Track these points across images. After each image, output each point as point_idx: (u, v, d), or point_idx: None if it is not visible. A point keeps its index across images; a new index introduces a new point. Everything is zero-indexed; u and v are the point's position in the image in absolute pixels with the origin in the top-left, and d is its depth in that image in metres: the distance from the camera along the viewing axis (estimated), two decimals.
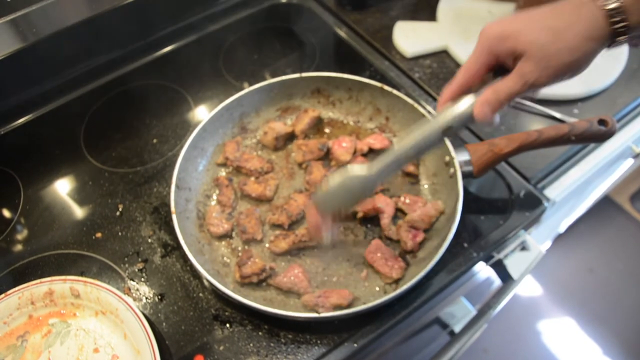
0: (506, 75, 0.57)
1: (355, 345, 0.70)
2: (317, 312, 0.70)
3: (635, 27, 0.52)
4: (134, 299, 0.78)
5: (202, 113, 1.03)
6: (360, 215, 0.83)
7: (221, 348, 0.72)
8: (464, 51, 1.05)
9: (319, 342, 0.72)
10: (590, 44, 0.53)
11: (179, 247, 0.79)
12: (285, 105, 0.98)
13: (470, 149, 0.80)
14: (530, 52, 0.54)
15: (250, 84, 0.94)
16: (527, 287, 2.04)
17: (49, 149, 0.98)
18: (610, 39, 0.53)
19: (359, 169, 0.68)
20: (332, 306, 0.71)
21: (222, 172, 0.91)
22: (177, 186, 0.81)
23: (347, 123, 0.97)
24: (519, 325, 1.95)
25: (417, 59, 1.07)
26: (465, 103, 0.61)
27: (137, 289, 0.79)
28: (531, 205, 0.85)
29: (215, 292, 0.77)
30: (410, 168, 0.87)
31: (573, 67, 0.54)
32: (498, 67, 0.60)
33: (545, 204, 0.85)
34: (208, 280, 0.72)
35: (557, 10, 0.55)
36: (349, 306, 0.73)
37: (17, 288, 0.74)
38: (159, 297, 0.78)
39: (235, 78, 1.08)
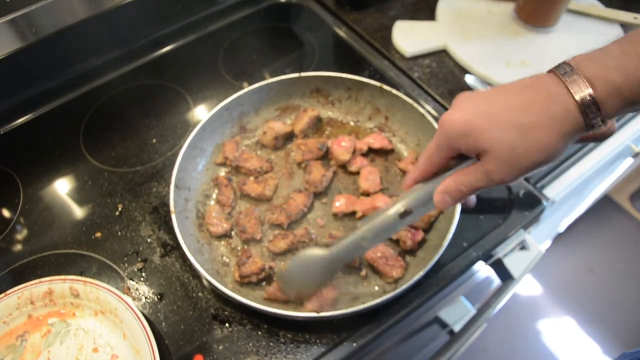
0: (468, 163, 0.54)
1: (355, 344, 0.71)
2: (316, 311, 0.70)
3: (609, 117, 0.48)
4: (134, 299, 0.78)
5: (201, 113, 1.03)
6: (359, 215, 0.83)
7: (220, 347, 0.72)
8: (463, 51, 1.05)
9: (318, 341, 0.72)
10: (562, 140, 0.48)
11: (178, 246, 0.79)
12: (284, 105, 0.98)
13: None
14: (495, 152, 0.50)
15: (250, 84, 0.94)
16: (527, 287, 2.04)
17: (48, 148, 0.98)
18: (582, 132, 0.49)
19: (318, 250, 0.68)
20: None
21: (222, 172, 0.92)
22: (176, 186, 0.81)
23: (347, 122, 0.97)
24: (519, 324, 1.95)
25: (416, 58, 1.07)
26: (426, 189, 0.59)
27: (137, 289, 0.79)
28: (530, 204, 0.85)
29: (215, 291, 0.77)
30: (410, 167, 0.87)
31: (542, 164, 0.50)
32: (461, 155, 0.57)
33: (545, 203, 0.85)
34: (207, 280, 0.72)
35: (524, 102, 0.49)
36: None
37: (16, 288, 0.74)
38: (159, 296, 0.78)
39: (235, 78, 1.08)
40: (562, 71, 0.48)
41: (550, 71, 0.51)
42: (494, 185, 0.52)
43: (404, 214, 0.61)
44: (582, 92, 0.46)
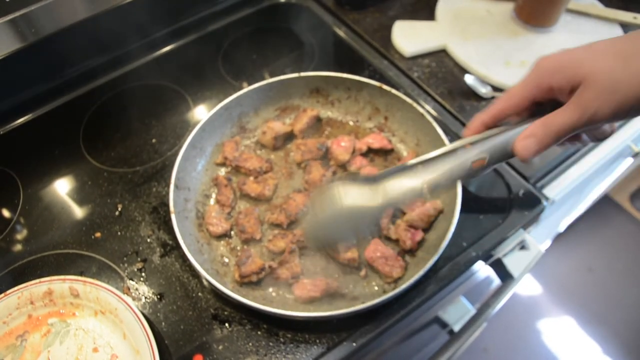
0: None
1: (354, 344, 0.70)
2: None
3: None
4: (133, 299, 0.78)
5: (201, 113, 1.03)
6: None
7: (220, 347, 0.72)
8: (462, 50, 1.05)
9: (317, 341, 0.72)
10: None
11: (178, 246, 0.79)
12: (284, 105, 0.98)
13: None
14: (592, 78, 0.45)
15: (249, 84, 0.94)
16: (527, 287, 2.04)
17: (48, 148, 0.98)
18: None
19: (360, 193, 0.54)
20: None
21: (221, 172, 0.92)
22: (176, 186, 0.81)
23: (346, 122, 0.97)
24: (519, 324, 1.95)
25: (415, 58, 1.07)
26: (504, 135, 0.51)
27: (137, 289, 0.79)
28: (530, 204, 0.85)
29: (214, 291, 0.77)
30: None
31: None
32: (544, 104, 0.51)
33: (545, 203, 0.85)
34: (207, 280, 0.72)
35: (625, 37, 0.47)
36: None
37: (16, 288, 0.74)
38: (158, 296, 0.78)
39: (234, 78, 1.08)
40: None
41: None
42: (587, 123, 0.47)
43: (477, 163, 0.53)
44: None
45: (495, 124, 0.54)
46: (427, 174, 0.55)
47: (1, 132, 0.99)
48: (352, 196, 0.55)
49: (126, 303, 0.72)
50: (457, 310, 1.19)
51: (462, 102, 0.99)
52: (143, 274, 0.80)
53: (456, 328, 1.25)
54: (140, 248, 0.83)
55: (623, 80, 0.44)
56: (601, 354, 1.88)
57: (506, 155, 0.52)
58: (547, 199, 0.87)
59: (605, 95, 0.45)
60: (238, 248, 0.82)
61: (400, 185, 0.55)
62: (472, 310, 1.17)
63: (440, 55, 1.08)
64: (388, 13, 1.17)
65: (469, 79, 1.01)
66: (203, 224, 0.84)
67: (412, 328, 0.90)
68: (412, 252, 0.79)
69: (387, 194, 0.55)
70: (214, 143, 0.92)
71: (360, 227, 0.57)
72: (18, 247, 0.85)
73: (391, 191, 0.55)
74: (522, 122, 0.52)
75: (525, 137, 0.50)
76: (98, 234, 0.85)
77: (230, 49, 1.14)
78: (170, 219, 0.77)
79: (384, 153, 0.92)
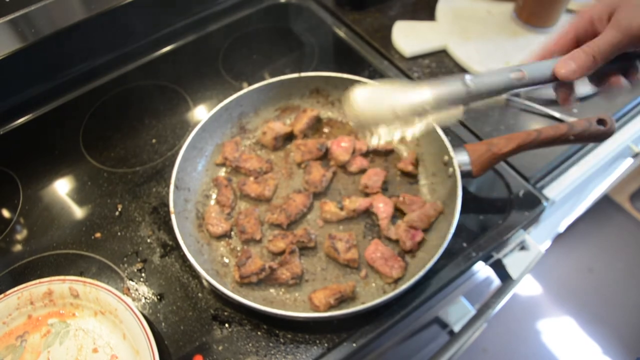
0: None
1: (355, 345, 0.70)
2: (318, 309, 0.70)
3: None
4: (133, 299, 0.78)
5: (201, 113, 1.03)
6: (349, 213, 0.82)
7: (220, 348, 0.72)
8: (463, 51, 1.05)
9: (318, 341, 0.72)
10: None
11: (178, 247, 0.79)
12: (284, 105, 0.98)
13: (469, 148, 0.80)
14: (626, 1, 0.50)
15: (249, 84, 0.95)
16: (527, 287, 2.04)
17: (48, 149, 0.98)
18: None
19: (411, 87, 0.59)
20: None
21: (221, 172, 0.92)
22: (176, 186, 0.81)
23: (346, 123, 0.97)
24: (519, 324, 1.95)
25: (416, 58, 1.07)
26: (545, 60, 0.56)
27: (136, 289, 0.79)
28: (530, 204, 0.85)
29: (214, 292, 0.77)
30: (409, 167, 0.87)
31: None
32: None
33: (545, 203, 0.85)
34: (207, 280, 0.72)
35: None
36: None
37: (16, 288, 0.74)
38: (158, 297, 0.78)
39: (234, 78, 1.08)
40: None
41: None
42: (625, 40, 0.50)
43: (516, 74, 0.57)
44: None
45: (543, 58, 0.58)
46: (472, 76, 0.60)
47: (1, 132, 0.99)
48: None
49: (126, 303, 0.72)
50: (457, 311, 1.19)
51: None
52: (143, 275, 0.80)
53: (456, 328, 1.25)
54: (140, 248, 0.83)
55: None
56: (601, 354, 1.88)
57: (546, 77, 0.56)
58: (547, 199, 0.87)
59: (637, 11, 0.49)
60: (238, 248, 0.82)
61: (443, 82, 0.61)
62: (472, 311, 1.18)
63: (441, 55, 1.08)
64: (388, 13, 1.17)
65: (468, 79, 1.01)
66: (203, 225, 0.84)
67: (412, 328, 0.90)
68: (412, 252, 0.79)
69: (432, 88, 0.60)
70: (214, 143, 0.92)
71: (402, 112, 0.61)
72: (18, 247, 0.85)
73: (435, 86, 0.60)
74: None
75: (566, 59, 0.53)
76: (98, 235, 0.85)
77: (230, 49, 1.14)
78: (170, 220, 0.77)
79: (384, 154, 0.92)
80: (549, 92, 0.95)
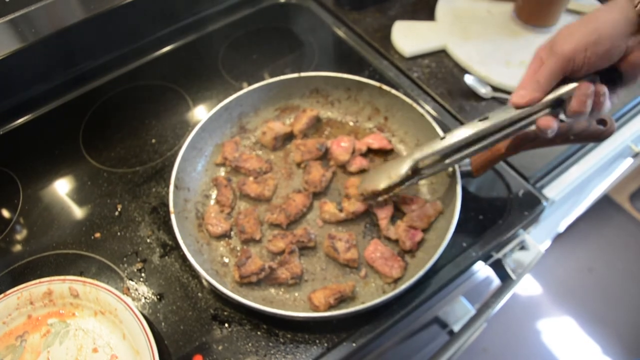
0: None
1: (354, 344, 0.71)
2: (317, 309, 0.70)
3: None
4: (133, 299, 0.78)
5: (200, 113, 1.03)
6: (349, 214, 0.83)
7: (220, 348, 0.72)
8: (462, 51, 1.05)
9: (317, 341, 0.72)
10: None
11: (177, 247, 0.79)
12: (283, 105, 0.98)
13: None
14: (559, 36, 0.61)
15: (249, 84, 0.94)
16: (527, 287, 2.04)
17: (48, 149, 0.98)
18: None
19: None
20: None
21: (221, 172, 0.92)
22: (175, 186, 0.81)
23: (346, 123, 0.97)
24: (519, 324, 1.95)
25: (415, 58, 1.07)
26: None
27: (136, 289, 0.79)
28: (530, 204, 0.85)
29: (214, 291, 0.77)
30: None
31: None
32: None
33: (544, 203, 0.85)
34: (207, 280, 0.72)
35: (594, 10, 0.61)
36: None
37: (16, 288, 0.74)
38: (158, 297, 0.78)
39: (234, 78, 1.08)
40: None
41: None
42: (561, 63, 0.60)
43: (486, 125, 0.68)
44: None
45: None
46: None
47: (1, 132, 0.99)
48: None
49: (126, 303, 0.72)
50: (457, 311, 1.19)
51: (461, 103, 0.99)
52: (143, 275, 0.80)
53: (456, 328, 1.25)
54: (140, 248, 0.83)
55: (578, 30, 0.59)
56: (601, 354, 1.88)
57: (508, 115, 0.66)
58: (547, 199, 0.87)
59: (566, 39, 0.59)
60: (238, 248, 0.82)
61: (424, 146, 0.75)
62: (472, 311, 1.17)
63: (440, 55, 1.08)
64: (388, 13, 1.17)
65: (468, 79, 1.01)
66: (203, 224, 0.84)
67: (412, 328, 0.90)
68: (411, 252, 0.79)
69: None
70: (213, 143, 0.92)
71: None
72: (18, 247, 0.85)
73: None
74: None
75: (517, 89, 0.64)
76: (98, 235, 0.85)
77: (230, 49, 1.14)
78: (169, 219, 0.77)
79: (384, 153, 0.92)
80: None
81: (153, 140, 0.98)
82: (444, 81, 1.03)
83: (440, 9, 1.15)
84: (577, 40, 0.58)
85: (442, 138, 0.72)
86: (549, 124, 0.63)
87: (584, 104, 0.60)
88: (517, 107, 0.65)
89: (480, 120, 0.68)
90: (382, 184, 0.78)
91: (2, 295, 0.74)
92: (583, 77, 0.61)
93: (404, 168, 0.76)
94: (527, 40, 1.08)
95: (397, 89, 0.92)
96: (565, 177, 0.93)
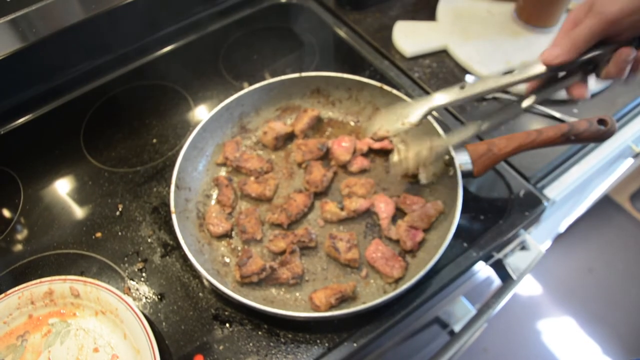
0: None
1: (355, 344, 0.71)
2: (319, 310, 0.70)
3: None
4: (134, 299, 0.78)
5: (201, 113, 1.03)
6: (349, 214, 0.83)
7: (221, 348, 0.72)
8: (463, 51, 1.05)
9: (318, 341, 0.72)
10: None
11: (178, 246, 0.79)
12: (284, 105, 0.98)
13: (470, 148, 0.80)
14: None
15: (250, 84, 0.95)
16: (527, 287, 2.04)
17: (49, 148, 0.98)
18: None
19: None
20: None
21: (222, 172, 0.92)
22: (176, 186, 0.81)
23: (347, 123, 0.97)
24: (519, 324, 1.96)
25: (416, 58, 1.07)
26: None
27: (137, 289, 0.79)
28: (531, 204, 0.85)
29: (215, 291, 0.77)
30: None
31: None
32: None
33: (545, 203, 0.85)
34: (208, 280, 0.72)
35: None
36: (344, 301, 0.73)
37: (17, 288, 0.74)
38: (159, 296, 0.78)
39: (235, 78, 1.08)
40: None
41: None
42: (602, 24, 0.56)
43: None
44: None
45: None
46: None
47: (1, 132, 0.99)
48: None
49: (127, 303, 0.72)
50: (457, 311, 1.19)
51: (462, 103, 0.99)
52: (144, 274, 0.80)
53: (457, 328, 1.25)
54: (141, 248, 0.83)
55: None
56: (601, 354, 1.88)
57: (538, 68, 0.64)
58: (547, 199, 0.87)
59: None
60: (239, 248, 0.82)
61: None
62: (473, 311, 1.18)
63: (441, 55, 1.08)
64: (389, 13, 1.17)
65: (469, 79, 1.01)
66: (204, 224, 0.84)
67: (412, 328, 0.90)
68: (412, 252, 0.79)
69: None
70: (214, 143, 0.92)
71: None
72: (19, 247, 0.85)
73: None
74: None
75: (550, 47, 0.60)
76: (99, 234, 0.85)
77: (230, 49, 1.14)
78: (171, 219, 0.77)
79: (385, 153, 0.92)
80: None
81: (154, 140, 0.98)
82: (445, 81, 1.03)
83: (441, 9, 1.15)
84: (624, 3, 0.55)
85: (462, 87, 0.71)
86: (582, 93, 0.62)
87: (622, 70, 0.58)
88: (548, 66, 0.62)
89: (505, 74, 0.68)
90: (392, 130, 0.78)
91: (3, 295, 0.74)
92: (623, 41, 0.58)
93: (416, 116, 0.74)
94: (528, 40, 1.08)
95: (398, 89, 0.92)
96: (566, 177, 0.93)
